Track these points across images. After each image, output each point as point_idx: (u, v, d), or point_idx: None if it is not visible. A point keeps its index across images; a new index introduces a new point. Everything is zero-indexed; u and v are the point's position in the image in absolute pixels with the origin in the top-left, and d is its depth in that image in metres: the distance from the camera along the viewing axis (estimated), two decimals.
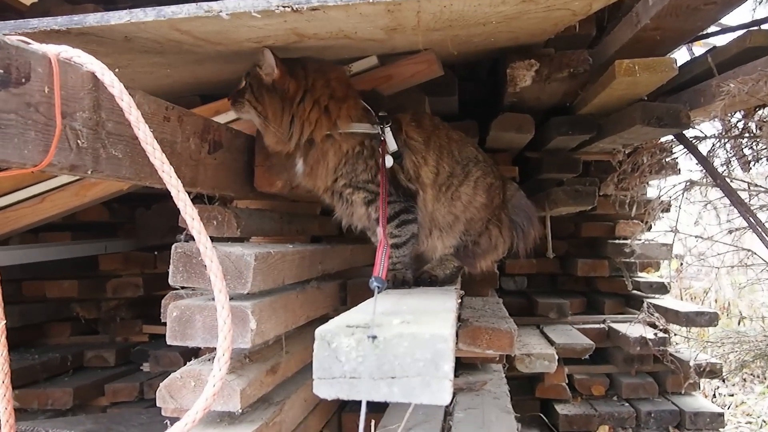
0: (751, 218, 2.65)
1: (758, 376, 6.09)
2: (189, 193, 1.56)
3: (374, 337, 1.19)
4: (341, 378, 1.18)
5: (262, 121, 2.30)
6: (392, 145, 2.29)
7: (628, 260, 4.85)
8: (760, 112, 3.32)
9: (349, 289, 2.86)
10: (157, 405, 1.84)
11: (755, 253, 3.60)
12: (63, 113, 1.38)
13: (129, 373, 4.01)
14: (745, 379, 6.06)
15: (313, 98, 2.23)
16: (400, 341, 1.17)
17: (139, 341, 4.26)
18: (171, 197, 1.53)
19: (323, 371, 1.19)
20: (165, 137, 1.82)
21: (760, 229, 2.57)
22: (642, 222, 4.43)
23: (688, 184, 3.49)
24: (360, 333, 1.20)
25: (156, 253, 4.16)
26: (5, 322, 1.54)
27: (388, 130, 2.29)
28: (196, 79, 2.70)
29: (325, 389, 1.19)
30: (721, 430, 4.05)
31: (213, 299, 1.56)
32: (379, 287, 1.65)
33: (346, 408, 3.15)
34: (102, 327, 4.36)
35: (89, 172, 1.52)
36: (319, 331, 1.20)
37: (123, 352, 4.15)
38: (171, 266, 1.84)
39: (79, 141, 1.46)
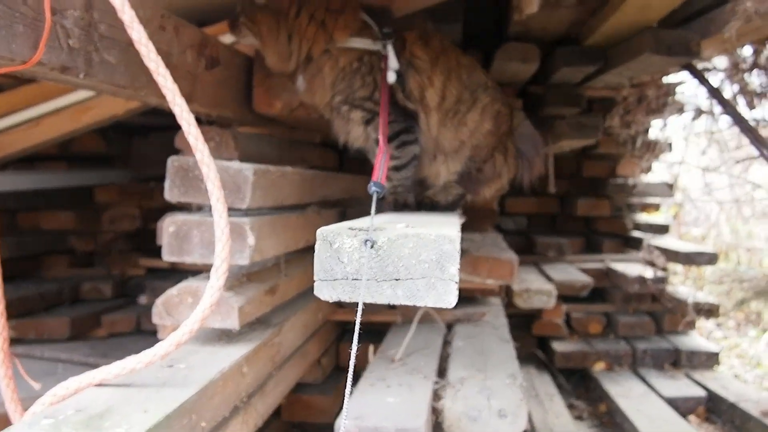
0: (760, 145, 2.60)
1: (753, 320, 6.12)
2: None
3: (373, 244, 1.15)
4: (343, 280, 1.15)
5: (259, 41, 2.22)
6: (394, 63, 2.19)
7: (629, 201, 4.83)
8: None
9: (348, 218, 2.82)
10: (153, 321, 1.81)
11: (760, 186, 3.55)
12: (53, 9, 1.33)
13: (126, 305, 3.99)
14: (739, 324, 6.09)
15: (309, 12, 2.14)
16: (404, 242, 1.13)
17: (135, 274, 4.23)
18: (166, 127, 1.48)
19: (325, 273, 1.15)
20: (160, 47, 1.73)
21: None
22: (644, 161, 4.38)
23: (696, 113, 3.43)
24: (363, 235, 1.16)
25: (153, 184, 4.10)
26: None
27: (390, 47, 2.19)
28: None
29: (326, 291, 1.16)
30: (716, 367, 4.08)
31: (211, 214, 1.52)
32: (378, 191, 1.61)
33: (344, 338, 3.15)
34: (98, 260, 4.32)
35: (81, 76, 1.46)
36: (321, 231, 1.16)
37: (120, 284, 4.12)
38: (167, 180, 1.79)
39: (70, 41, 1.40)
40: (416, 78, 2.26)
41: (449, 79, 2.33)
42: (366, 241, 1.14)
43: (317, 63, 2.21)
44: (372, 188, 1.64)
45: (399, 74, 2.22)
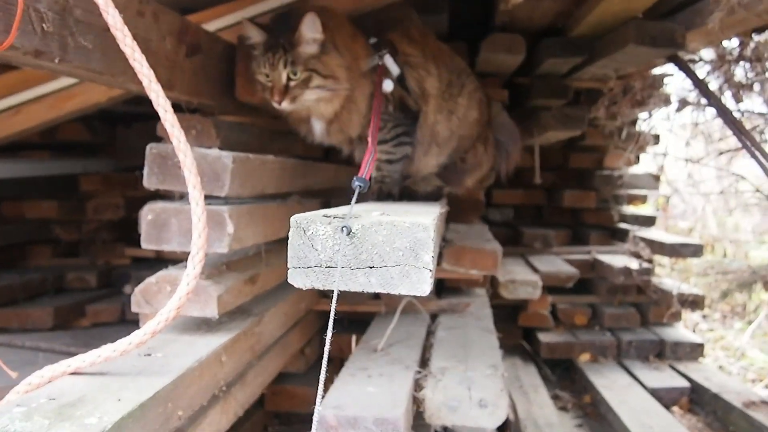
0: (744, 137, 2.60)
1: (738, 313, 6.15)
2: None
3: (349, 231, 1.14)
4: (317, 267, 1.14)
5: (333, 93, 2.06)
6: (395, 70, 2.17)
7: (616, 192, 4.84)
8: (756, 38, 3.25)
9: (332, 207, 2.80)
10: (132, 310, 1.80)
11: (744, 178, 3.56)
12: None
13: (111, 295, 3.96)
14: (725, 316, 6.12)
15: (342, 40, 2.07)
16: (378, 229, 1.13)
17: (120, 264, 4.21)
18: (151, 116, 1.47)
19: (298, 260, 1.14)
20: (138, 33, 1.72)
21: (753, 148, 2.52)
22: (630, 153, 4.39)
23: (680, 104, 3.43)
24: (337, 222, 1.15)
25: (137, 173, 4.06)
26: None
27: (388, 56, 2.15)
28: None
29: (300, 279, 1.15)
30: (700, 359, 4.10)
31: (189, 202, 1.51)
32: (360, 186, 1.60)
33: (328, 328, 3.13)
34: (83, 249, 4.29)
35: (56, 61, 1.44)
36: (295, 218, 1.15)
37: (104, 274, 4.10)
38: (145, 168, 1.79)
39: (44, 25, 1.38)
40: (413, 74, 2.26)
41: (439, 65, 2.35)
42: (343, 227, 1.13)
43: (350, 95, 2.13)
44: (355, 183, 1.63)
45: (402, 77, 2.20)
